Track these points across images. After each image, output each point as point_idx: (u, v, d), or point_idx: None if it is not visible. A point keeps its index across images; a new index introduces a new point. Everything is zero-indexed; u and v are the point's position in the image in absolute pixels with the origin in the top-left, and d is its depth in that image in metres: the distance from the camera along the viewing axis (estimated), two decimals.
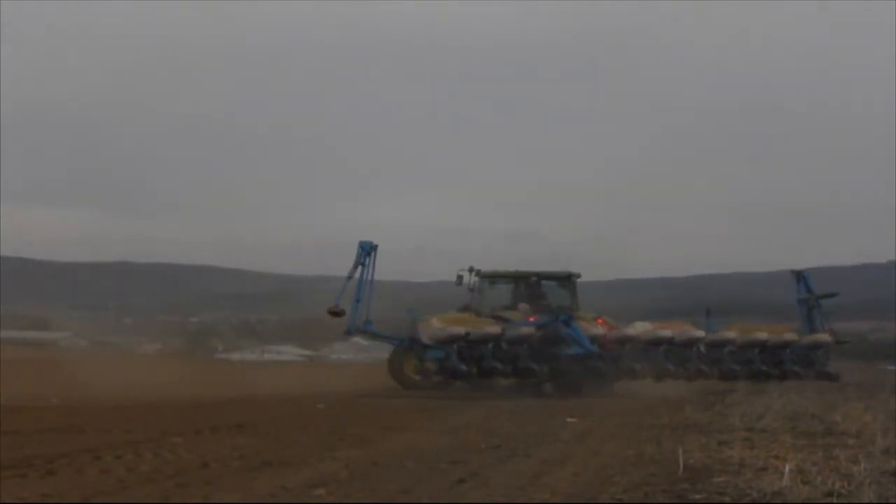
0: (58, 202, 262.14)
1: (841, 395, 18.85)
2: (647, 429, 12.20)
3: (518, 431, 11.65)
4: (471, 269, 24.49)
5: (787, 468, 7.41)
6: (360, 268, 22.41)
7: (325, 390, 21.42)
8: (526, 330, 22.07)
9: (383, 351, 25.18)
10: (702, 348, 23.09)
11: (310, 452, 8.98)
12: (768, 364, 23.33)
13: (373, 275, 22.50)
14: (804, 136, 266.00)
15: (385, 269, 22.73)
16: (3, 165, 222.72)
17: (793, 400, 16.62)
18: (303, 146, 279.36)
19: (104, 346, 59.06)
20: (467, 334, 21.36)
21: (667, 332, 22.69)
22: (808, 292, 25.17)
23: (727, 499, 6.65)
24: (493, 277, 25.01)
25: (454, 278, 24.55)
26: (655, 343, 22.60)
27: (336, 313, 22.29)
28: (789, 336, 23.69)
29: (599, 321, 23.31)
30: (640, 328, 22.99)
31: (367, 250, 22.47)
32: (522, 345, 21.85)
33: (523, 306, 23.94)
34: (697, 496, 6.76)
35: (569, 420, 13.68)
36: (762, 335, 23.43)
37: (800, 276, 25.59)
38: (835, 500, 6.47)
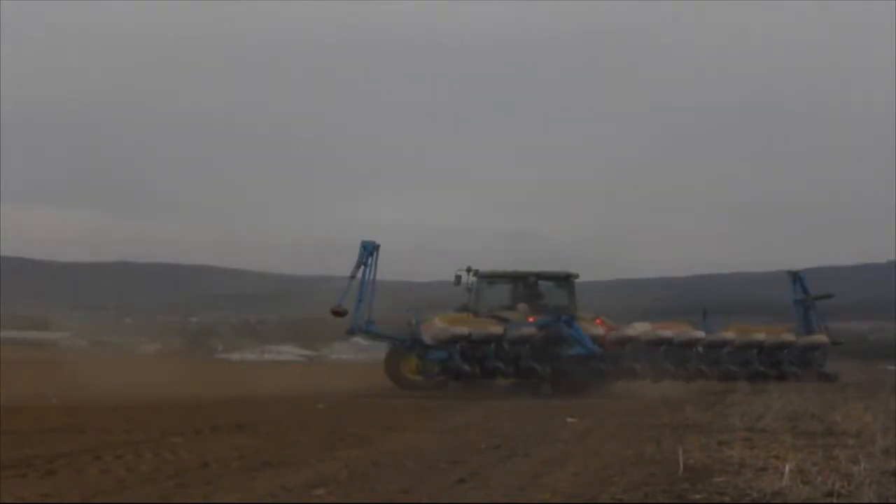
0: (58, 202, 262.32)
1: (841, 395, 18.86)
2: (647, 429, 12.20)
3: (518, 431, 11.65)
4: (469, 270, 24.52)
5: (787, 468, 7.41)
6: (362, 268, 22.43)
7: (325, 390, 21.41)
8: (528, 330, 22.09)
9: (383, 351, 25.16)
10: (700, 349, 23.11)
11: (310, 452, 8.98)
12: (766, 365, 23.37)
13: (375, 275, 22.52)
14: (804, 136, 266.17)
15: (385, 269, 22.78)
16: (3, 165, 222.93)
17: (793, 400, 16.62)
18: (303, 146, 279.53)
19: (104, 346, 59.07)
20: (470, 334, 21.38)
21: (667, 333, 22.69)
22: (804, 293, 25.21)
23: (727, 499, 6.65)
24: (491, 277, 25.03)
25: (453, 278, 24.58)
26: (655, 343, 22.61)
27: (339, 313, 22.30)
28: (787, 337, 23.71)
29: (597, 321, 23.33)
30: (639, 329, 23.00)
31: (369, 250, 22.48)
32: (524, 345, 21.87)
33: (522, 306, 23.96)
34: (697, 496, 6.76)
35: (569, 420, 13.68)
36: (760, 336, 23.46)
37: (796, 277, 25.63)
38: (835, 500, 6.47)
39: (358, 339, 46.61)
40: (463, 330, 21.50)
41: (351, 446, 9.66)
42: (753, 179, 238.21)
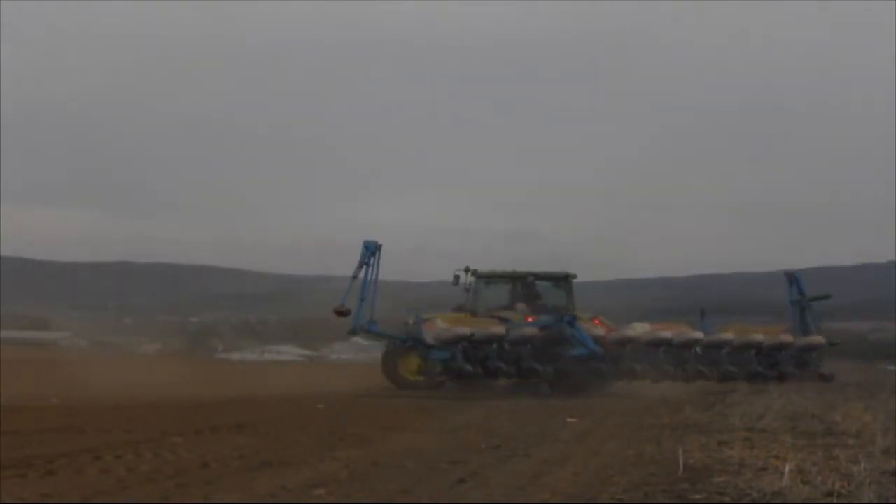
0: (58, 202, 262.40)
1: (841, 395, 18.86)
2: (647, 429, 12.20)
3: (518, 431, 11.65)
4: (467, 269, 24.55)
5: (787, 468, 7.41)
6: (364, 267, 22.44)
7: (325, 390, 21.41)
8: (530, 330, 22.10)
9: (382, 351, 25.16)
10: (698, 350, 23.15)
11: (310, 452, 8.98)
12: (764, 366, 23.41)
13: (377, 274, 22.53)
14: (804, 136, 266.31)
15: (385, 269, 22.76)
16: (3, 165, 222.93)
17: (793, 400, 16.62)
18: (303, 146, 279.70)
19: (104, 346, 59.07)
20: (472, 335, 21.40)
21: (666, 334, 22.73)
22: (801, 294, 25.27)
23: (727, 499, 6.64)
24: (489, 277, 25.06)
25: (451, 278, 24.62)
26: (655, 344, 22.64)
27: (342, 313, 22.32)
28: (785, 338, 23.76)
29: (596, 321, 23.34)
30: (638, 329, 23.03)
31: (371, 250, 22.49)
32: (526, 345, 21.88)
33: (521, 306, 23.99)
34: (697, 496, 6.76)
35: (569, 420, 13.68)
36: (759, 337, 23.50)
37: (792, 278, 25.70)
38: (835, 500, 6.47)
39: (358, 339, 46.63)
40: (465, 330, 21.52)
41: (351, 446, 9.66)
42: (753, 179, 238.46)
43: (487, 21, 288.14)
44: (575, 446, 10.32)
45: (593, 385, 22.67)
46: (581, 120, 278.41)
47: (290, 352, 76.11)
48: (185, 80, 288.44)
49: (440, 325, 21.94)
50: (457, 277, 24.48)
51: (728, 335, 23.35)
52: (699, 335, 23.05)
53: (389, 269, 22.66)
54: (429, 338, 21.83)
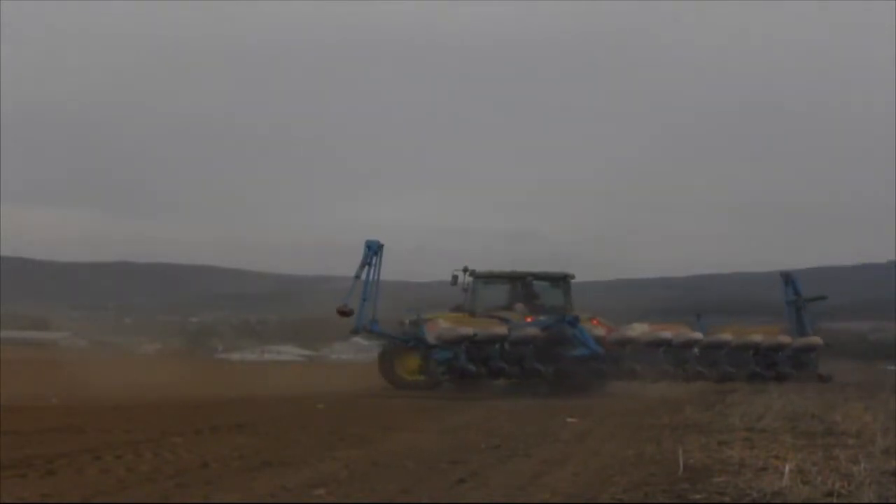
0: (58, 202, 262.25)
1: (841, 395, 18.88)
2: (647, 429, 12.20)
3: (518, 431, 11.65)
4: (465, 270, 24.59)
5: (787, 468, 7.41)
6: (366, 267, 22.45)
7: (325, 390, 21.42)
8: (532, 331, 22.11)
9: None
10: (696, 350, 23.21)
11: (310, 452, 8.98)
12: (762, 366, 23.47)
13: (379, 274, 22.55)
14: (804, 136, 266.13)
15: (385, 269, 22.81)
16: (3, 165, 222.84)
17: (793, 400, 16.63)
18: (303, 146, 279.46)
19: (104, 346, 59.06)
20: (475, 335, 21.43)
21: (666, 334, 22.79)
22: (796, 295, 25.34)
23: (727, 499, 6.65)
24: (487, 278, 25.09)
25: (450, 278, 24.67)
26: (654, 345, 22.69)
27: (345, 313, 22.34)
28: (783, 338, 23.83)
29: (594, 322, 23.36)
30: (638, 330, 23.07)
31: (373, 250, 22.52)
32: (528, 346, 21.90)
33: (520, 307, 24.01)
34: (697, 496, 6.76)
35: (569, 420, 13.68)
36: (757, 338, 23.57)
37: (788, 279, 25.78)
38: (835, 500, 6.47)
39: (358, 339, 46.66)
40: (468, 330, 21.56)
41: (351, 446, 9.66)
42: (753, 179, 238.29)
43: (487, 21, 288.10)
44: (575, 446, 10.32)
45: (594, 385, 22.70)
46: (581, 120, 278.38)
47: (290, 352, 76.12)
48: (185, 80, 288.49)
49: (443, 325, 21.96)
50: (455, 277, 24.51)
51: (727, 336, 23.40)
52: (698, 336, 23.09)
53: (389, 269, 22.73)
54: (431, 338, 21.85)
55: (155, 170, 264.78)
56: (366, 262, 22.42)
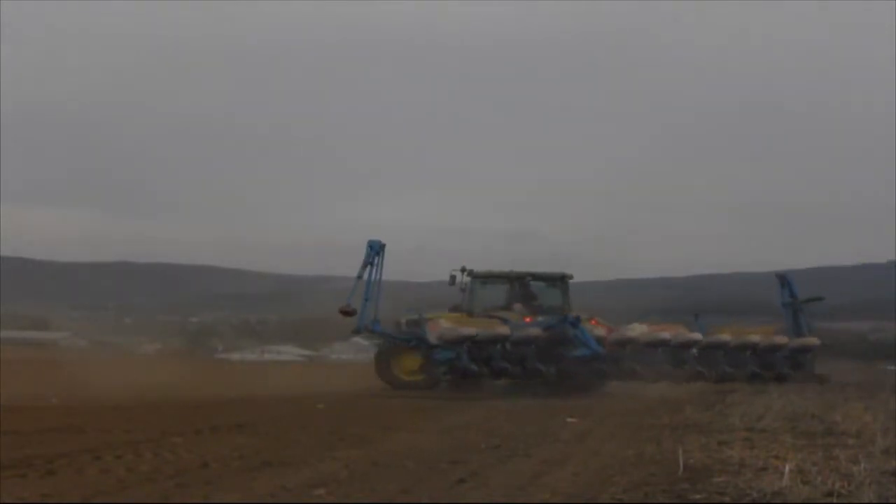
0: (58, 202, 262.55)
1: (841, 395, 18.87)
2: (647, 429, 12.20)
3: (518, 431, 11.65)
4: (463, 269, 24.60)
5: (787, 468, 7.41)
6: (368, 267, 22.46)
7: (325, 390, 21.41)
8: (534, 331, 22.12)
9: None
10: (694, 351, 23.24)
11: (310, 452, 8.98)
12: (760, 366, 23.52)
13: (381, 274, 22.56)
14: (804, 136, 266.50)
15: (386, 269, 22.80)
16: (3, 165, 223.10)
17: (793, 400, 16.63)
18: (303, 146, 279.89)
19: (104, 346, 59.11)
20: (477, 335, 21.45)
21: (665, 335, 22.83)
22: (792, 296, 25.39)
23: (727, 499, 6.64)
24: (485, 278, 25.10)
25: (448, 278, 24.69)
26: (654, 345, 22.72)
27: (348, 312, 22.35)
28: (780, 339, 23.90)
29: (593, 322, 23.37)
30: (637, 330, 23.09)
31: (376, 249, 22.52)
32: (530, 346, 21.91)
33: (518, 307, 24.02)
34: (697, 496, 6.76)
35: (569, 420, 13.68)
36: (755, 338, 23.63)
37: (784, 280, 25.83)
38: (835, 500, 6.47)
39: (358, 339, 46.66)
40: (471, 330, 21.59)
41: (351, 446, 9.65)
42: (753, 179, 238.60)
43: (487, 21, 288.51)
44: (575, 446, 10.31)
45: (595, 385, 22.72)
46: (581, 120, 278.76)
47: (290, 352, 76.17)
48: (185, 80, 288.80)
49: (444, 325, 21.97)
50: (453, 277, 24.53)
51: (725, 336, 23.44)
52: (698, 336, 23.13)
53: (389, 269, 22.73)
54: (433, 338, 21.86)
55: (155, 170, 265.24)
56: (368, 262, 22.42)
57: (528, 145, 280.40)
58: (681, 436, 10.97)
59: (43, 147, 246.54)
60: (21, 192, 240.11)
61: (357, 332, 23.41)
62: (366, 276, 22.41)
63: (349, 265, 22.67)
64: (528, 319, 23.10)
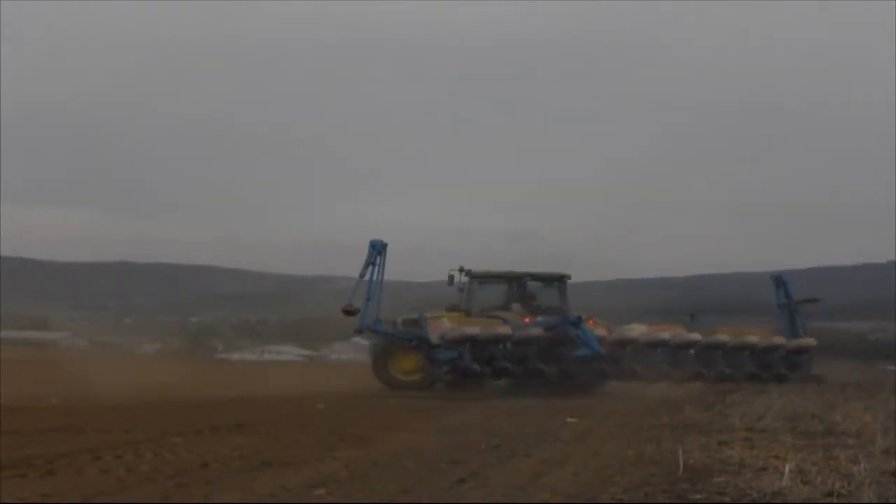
0: (58, 202, 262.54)
1: (841, 395, 18.87)
2: (647, 429, 12.20)
3: (517, 431, 11.64)
4: (461, 269, 24.62)
5: (787, 468, 7.41)
6: (371, 267, 22.47)
7: (325, 390, 21.40)
8: (536, 331, 22.13)
9: None
10: (692, 351, 23.27)
11: (310, 452, 8.98)
12: (757, 367, 23.57)
13: (383, 274, 22.57)
14: (804, 136, 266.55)
15: (386, 268, 22.80)
16: (3, 165, 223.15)
17: (793, 400, 16.63)
18: (303, 146, 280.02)
19: (104, 346, 59.10)
20: (479, 335, 21.47)
21: (664, 335, 22.86)
22: (787, 297, 25.43)
23: (727, 499, 6.64)
24: (483, 278, 25.11)
25: (446, 278, 24.72)
26: (653, 345, 22.75)
27: (350, 312, 22.37)
28: (777, 340, 23.95)
29: (591, 322, 23.38)
30: (637, 330, 23.11)
31: (378, 249, 22.54)
32: (531, 346, 21.92)
33: (517, 307, 24.04)
34: (697, 496, 6.76)
35: (569, 420, 13.68)
36: (753, 339, 23.66)
37: (779, 281, 25.88)
38: (835, 500, 6.47)
39: (358, 339, 46.65)
40: (474, 330, 21.60)
41: (351, 446, 9.65)
42: (753, 179, 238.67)
43: (487, 21, 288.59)
44: (575, 446, 10.31)
45: (595, 385, 22.73)
46: (581, 120, 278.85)
47: (290, 352, 76.19)
48: (185, 80, 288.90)
49: (446, 325, 21.98)
50: (451, 277, 24.56)
51: (724, 337, 23.48)
52: (696, 336, 23.16)
53: (389, 269, 22.76)
54: (434, 337, 21.87)
55: (155, 170, 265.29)
56: (370, 262, 22.44)
57: (528, 145, 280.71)
58: (681, 436, 10.97)
59: (43, 147, 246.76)
60: (21, 192, 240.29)
61: (359, 331, 23.45)
62: (368, 275, 22.43)
63: (349, 265, 22.75)
64: (527, 320, 23.11)
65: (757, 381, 22.91)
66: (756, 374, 23.37)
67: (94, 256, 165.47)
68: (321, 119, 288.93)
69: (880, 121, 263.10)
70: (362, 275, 22.40)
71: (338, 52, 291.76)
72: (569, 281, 25.17)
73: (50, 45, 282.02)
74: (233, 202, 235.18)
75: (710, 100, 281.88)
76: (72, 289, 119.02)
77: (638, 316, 28.53)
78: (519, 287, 24.79)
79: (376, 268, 22.47)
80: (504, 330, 21.89)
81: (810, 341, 24.49)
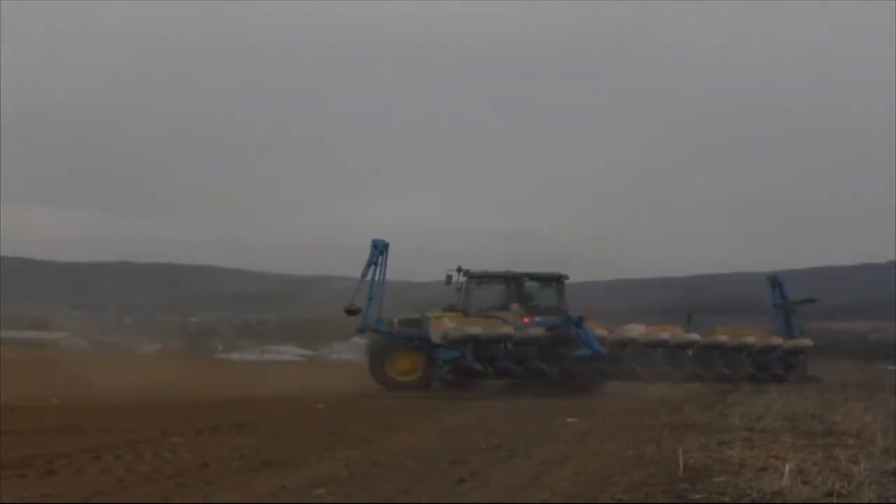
0: (58, 202, 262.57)
1: (841, 395, 18.87)
2: (647, 429, 12.20)
3: (517, 431, 11.64)
4: (459, 269, 24.64)
5: (787, 468, 7.41)
6: (372, 267, 22.47)
7: (325, 390, 21.42)
8: (537, 331, 22.14)
9: None
10: (690, 352, 23.29)
11: (310, 452, 8.98)
12: (755, 367, 23.60)
13: (385, 274, 22.58)
14: (804, 136, 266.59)
15: (387, 268, 22.80)
16: (3, 165, 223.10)
17: (792, 400, 16.63)
18: (303, 146, 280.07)
19: (104, 346, 59.06)
20: (481, 334, 21.49)
21: (664, 335, 22.89)
22: (783, 297, 25.46)
23: (727, 499, 6.64)
24: (481, 278, 25.13)
25: (444, 278, 24.73)
26: (653, 345, 22.77)
27: (352, 312, 22.39)
28: (774, 340, 23.99)
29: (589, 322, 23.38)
30: (636, 330, 23.12)
31: (379, 249, 22.56)
32: (533, 346, 21.93)
33: (515, 307, 24.05)
34: (697, 496, 6.76)
35: (569, 420, 13.68)
36: (751, 339, 23.70)
37: (775, 282, 25.89)
38: (835, 500, 6.47)
39: (359, 339, 46.61)
40: (476, 329, 21.62)
41: (351, 446, 9.65)
42: (753, 179, 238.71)
43: (487, 21, 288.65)
44: (575, 446, 10.31)
45: (596, 385, 22.75)
46: (581, 120, 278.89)
47: (290, 352, 76.19)
48: (185, 80, 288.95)
49: (448, 325, 21.99)
50: (449, 277, 24.58)
51: (723, 337, 23.52)
52: (695, 337, 23.19)
53: (390, 269, 22.79)
54: (436, 337, 21.88)
55: (155, 170, 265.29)
56: (372, 262, 22.46)
57: (528, 145, 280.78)
58: (681, 436, 10.97)
59: (43, 147, 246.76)
60: (21, 192, 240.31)
61: (361, 331, 23.50)
62: (369, 275, 22.44)
63: (349, 265, 22.79)
64: (526, 320, 23.12)
65: (755, 382, 22.92)
66: (753, 374, 23.41)
67: (94, 256, 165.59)
68: (321, 119, 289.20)
69: (880, 121, 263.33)
70: (364, 274, 22.41)
71: (338, 52, 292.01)
72: (567, 281, 25.19)
73: (50, 45, 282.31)
74: (233, 202, 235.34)
75: (710, 100, 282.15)
76: (72, 289, 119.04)
77: (638, 316, 28.52)
78: (517, 287, 24.81)
79: (378, 268, 22.49)
80: (506, 330, 21.93)
81: (807, 342, 24.53)
